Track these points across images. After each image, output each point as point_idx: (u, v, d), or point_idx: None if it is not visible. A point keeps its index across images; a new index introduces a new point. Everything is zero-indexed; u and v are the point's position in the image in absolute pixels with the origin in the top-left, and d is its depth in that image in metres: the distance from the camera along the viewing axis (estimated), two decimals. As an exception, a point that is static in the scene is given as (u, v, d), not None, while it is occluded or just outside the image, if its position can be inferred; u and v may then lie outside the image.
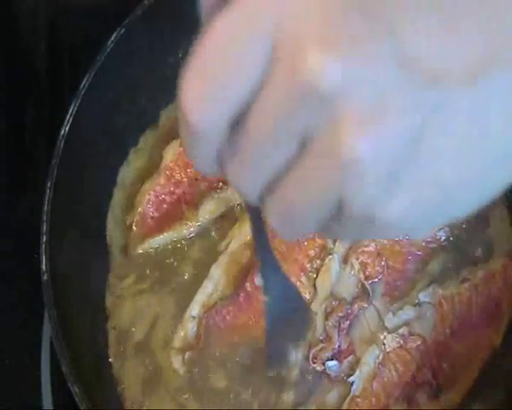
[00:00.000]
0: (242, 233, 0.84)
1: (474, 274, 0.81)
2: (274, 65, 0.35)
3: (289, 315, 0.73)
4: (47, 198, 0.75)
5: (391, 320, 0.78)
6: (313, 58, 0.34)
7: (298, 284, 0.82)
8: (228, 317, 0.82)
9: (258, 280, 0.83)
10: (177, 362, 0.81)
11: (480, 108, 0.35)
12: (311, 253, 0.84)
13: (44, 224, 0.74)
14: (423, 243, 0.83)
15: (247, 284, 0.82)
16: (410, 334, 0.78)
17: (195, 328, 0.81)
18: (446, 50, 0.34)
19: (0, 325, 0.88)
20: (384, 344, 0.77)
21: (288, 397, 0.79)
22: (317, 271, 0.83)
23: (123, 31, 0.82)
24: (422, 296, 0.80)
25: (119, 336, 0.82)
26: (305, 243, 0.83)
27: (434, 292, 0.79)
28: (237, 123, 0.38)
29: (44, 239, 0.74)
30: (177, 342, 0.82)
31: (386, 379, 0.77)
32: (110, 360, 0.80)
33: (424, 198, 0.38)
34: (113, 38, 0.82)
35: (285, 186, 0.39)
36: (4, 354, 0.87)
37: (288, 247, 0.83)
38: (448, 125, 0.36)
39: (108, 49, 0.81)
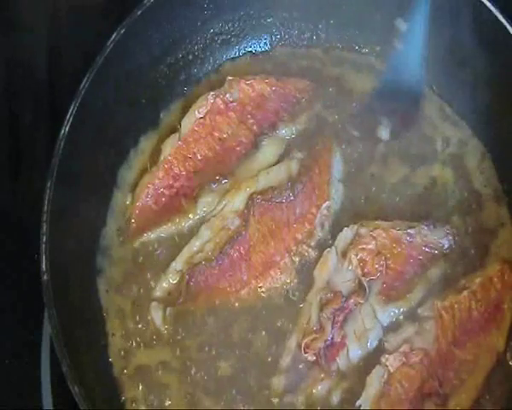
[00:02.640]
0: (236, 201, 0.85)
1: (471, 282, 0.81)
2: None
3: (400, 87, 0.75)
4: (47, 198, 0.75)
5: (390, 341, 0.78)
6: None
7: (280, 264, 0.83)
8: (210, 278, 0.83)
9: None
10: (157, 318, 0.82)
11: None
12: (299, 236, 0.85)
13: (44, 224, 0.74)
14: (426, 249, 0.83)
15: (233, 251, 0.83)
16: (412, 350, 0.77)
17: (177, 281, 0.83)
18: None
19: (0, 325, 0.88)
20: (387, 366, 0.76)
21: (280, 382, 0.79)
22: (301, 255, 0.84)
23: (123, 31, 0.83)
24: (421, 311, 0.80)
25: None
26: (295, 226, 0.85)
27: (433, 305, 0.79)
28: None
29: (44, 239, 0.74)
30: (158, 292, 0.83)
31: (393, 397, 0.76)
32: (110, 359, 0.81)
33: None
34: (113, 38, 0.82)
35: None
36: (4, 354, 0.87)
37: (278, 225, 0.85)
38: None
39: (108, 50, 0.82)
